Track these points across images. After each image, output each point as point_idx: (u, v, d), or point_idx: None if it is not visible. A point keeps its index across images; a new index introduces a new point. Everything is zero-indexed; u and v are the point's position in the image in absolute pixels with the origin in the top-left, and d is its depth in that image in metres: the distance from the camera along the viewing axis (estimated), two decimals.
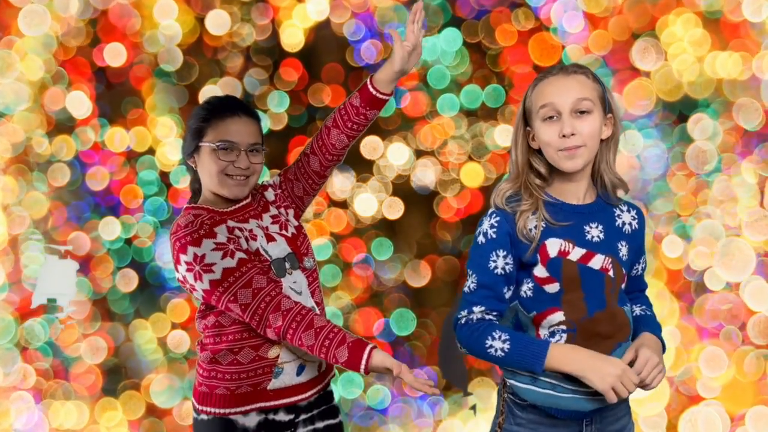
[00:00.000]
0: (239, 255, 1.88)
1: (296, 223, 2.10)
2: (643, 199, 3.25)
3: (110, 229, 3.46)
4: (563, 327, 1.76)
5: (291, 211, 2.11)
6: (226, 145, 1.94)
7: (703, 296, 3.25)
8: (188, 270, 1.88)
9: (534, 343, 1.76)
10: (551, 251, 1.76)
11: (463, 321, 1.80)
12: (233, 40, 3.49)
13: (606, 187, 1.82)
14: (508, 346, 1.74)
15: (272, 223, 2.04)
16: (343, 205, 3.49)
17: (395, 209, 3.50)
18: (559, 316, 1.76)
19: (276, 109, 3.46)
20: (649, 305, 2.00)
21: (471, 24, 3.42)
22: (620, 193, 1.88)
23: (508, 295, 1.80)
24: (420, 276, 3.51)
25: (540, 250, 1.75)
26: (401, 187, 3.51)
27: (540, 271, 1.77)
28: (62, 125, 3.44)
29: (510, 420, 1.84)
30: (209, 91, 3.43)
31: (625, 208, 1.86)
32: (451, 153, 3.46)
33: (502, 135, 3.42)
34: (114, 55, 3.43)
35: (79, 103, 3.44)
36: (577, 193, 1.80)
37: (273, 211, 2.07)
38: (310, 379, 2.02)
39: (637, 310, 1.94)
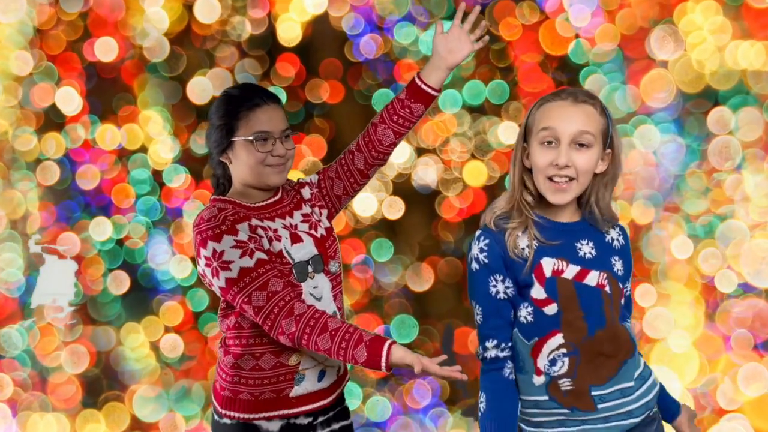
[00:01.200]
0: (259, 255, 1.79)
1: (328, 225, 2.01)
2: (663, 197, 3.06)
3: (101, 229, 3.31)
4: (563, 351, 1.66)
5: (324, 212, 2.01)
6: (262, 136, 1.85)
7: (727, 302, 3.04)
8: (207, 265, 1.80)
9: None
10: (547, 271, 1.67)
11: (479, 357, 1.73)
12: (224, 29, 3.30)
13: (595, 218, 1.74)
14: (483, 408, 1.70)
15: (302, 221, 1.95)
16: None
17: (395, 209, 3.35)
18: (558, 339, 1.66)
19: None
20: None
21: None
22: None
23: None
24: (422, 280, 3.36)
25: (536, 271, 1.67)
26: (402, 186, 3.36)
27: (538, 292, 1.67)
28: (51, 122, 3.28)
29: None
30: (198, 83, 3.26)
31: (609, 225, 1.78)
32: (454, 151, 3.31)
33: (505, 132, 3.27)
34: (105, 49, 3.27)
35: (69, 99, 3.27)
36: (565, 213, 1.73)
37: (306, 209, 1.98)
38: (331, 384, 1.96)
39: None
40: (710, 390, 3.03)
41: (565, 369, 1.65)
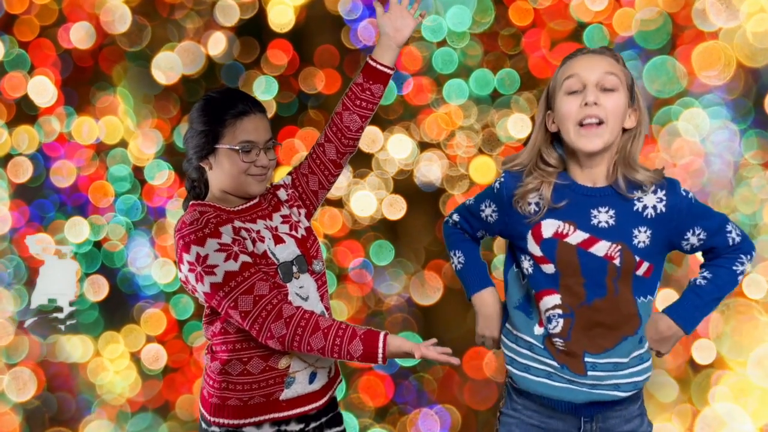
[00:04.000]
0: (243, 258, 1.76)
1: (307, 224, 2.00)
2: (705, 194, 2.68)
3: (77, 230, 3.12)
4: (559, 311, 1.69)
5: (303, 211, 2.00)
6: (247, 146, 1.83)
7: None
8: (190, 270, 1.75)
9: (470, 278, 1.87)
10: (546, 232, 1.69)
11: (447, 218, 1.96)
12: None
13: (622, 181, 1.67)
14: (459, 267, 1.89)
15: (282, 222, 1.93)
16: (339, 203, 3.13)
17: (396, 208, 3.13)
18: (555, 299, 1.69)
19: (263, 96, 3.09)
20: (718, 269, 1.75)
21: (482, 2, 3.00)
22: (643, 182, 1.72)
23: (480, 234, 1.89)
24: (428, 289, 3.09)
25: (533, 229, 1.70)
26: (403, 184, 3.15)
27: (534, 249, 1.71)
28: (23, 114, 3.09)
29: (508, 405, 1.81)
30: (164, 58, 2.98)
31: (650, 189, 1.68)
32: (459, 145, 3.09)
33: (515, 125, 3.04)
34: (81, 35, 3.04)
35: (43, 89, 3.07)
36: (592, 177, 1.69)
37: (284, 210, 1.97)
38: (322, 386, 1.91)
39: (699, 278, 1.79)
40: None
41: (559, 329, 1.68)
